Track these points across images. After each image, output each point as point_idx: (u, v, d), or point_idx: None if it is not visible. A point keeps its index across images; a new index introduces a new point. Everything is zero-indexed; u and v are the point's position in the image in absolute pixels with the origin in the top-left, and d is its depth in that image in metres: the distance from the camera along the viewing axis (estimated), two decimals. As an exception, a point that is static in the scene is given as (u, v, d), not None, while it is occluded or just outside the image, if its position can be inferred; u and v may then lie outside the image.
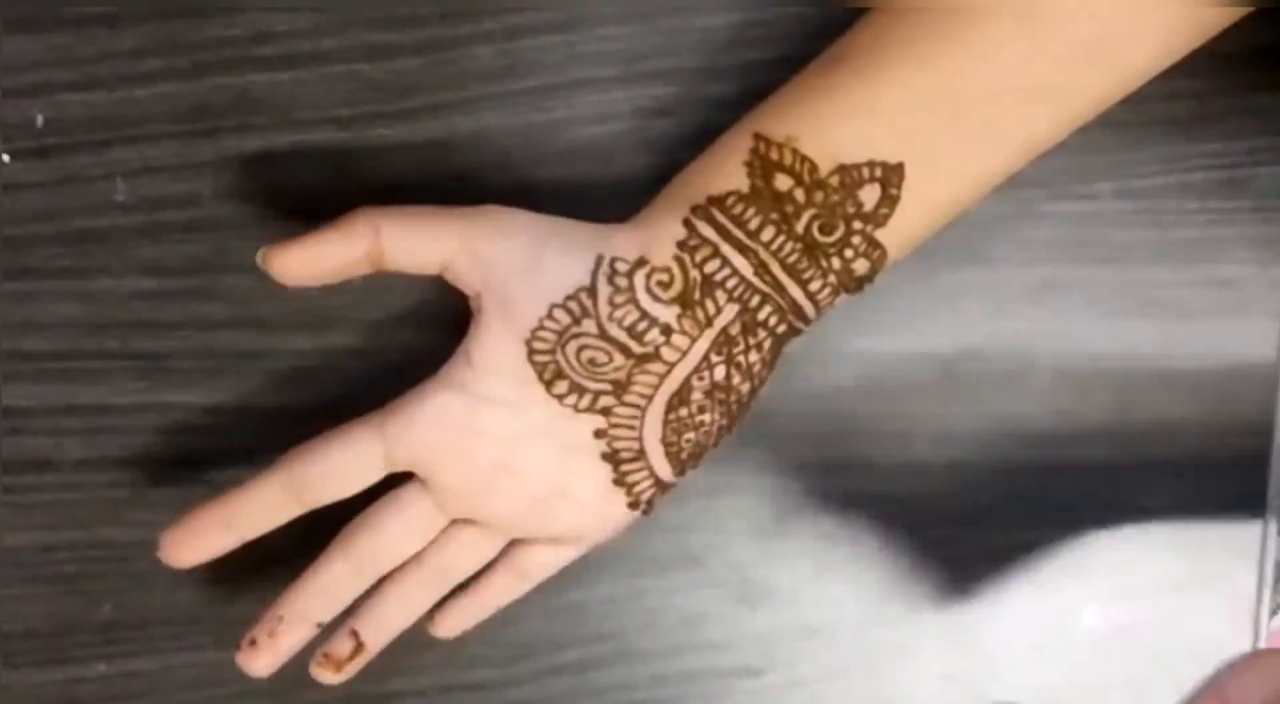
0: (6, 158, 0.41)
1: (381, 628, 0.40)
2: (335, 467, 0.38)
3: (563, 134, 0.42)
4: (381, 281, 0.42)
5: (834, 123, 0.35)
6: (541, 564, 0.40)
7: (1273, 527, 0.43)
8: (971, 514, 0.44)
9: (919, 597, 0.44)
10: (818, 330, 0.41)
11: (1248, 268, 0.42)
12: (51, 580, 0.43)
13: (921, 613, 0.44)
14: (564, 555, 0.40)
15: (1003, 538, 0.44)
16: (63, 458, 0.43)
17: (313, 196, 0.42)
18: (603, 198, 0.42)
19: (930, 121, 0.35)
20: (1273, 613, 0.44)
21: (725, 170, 0.36)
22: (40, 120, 0.41)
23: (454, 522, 0.39)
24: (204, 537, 0.38)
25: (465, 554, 0.40)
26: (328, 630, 0.40)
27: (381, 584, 0.39)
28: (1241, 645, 0.44)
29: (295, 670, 0.40)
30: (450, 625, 0.41)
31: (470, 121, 0.41)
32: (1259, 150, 0.42)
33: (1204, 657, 0.44)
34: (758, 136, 0.36)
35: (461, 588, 0.40)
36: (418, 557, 0.39)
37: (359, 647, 0.40)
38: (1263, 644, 0.44)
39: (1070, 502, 0.44)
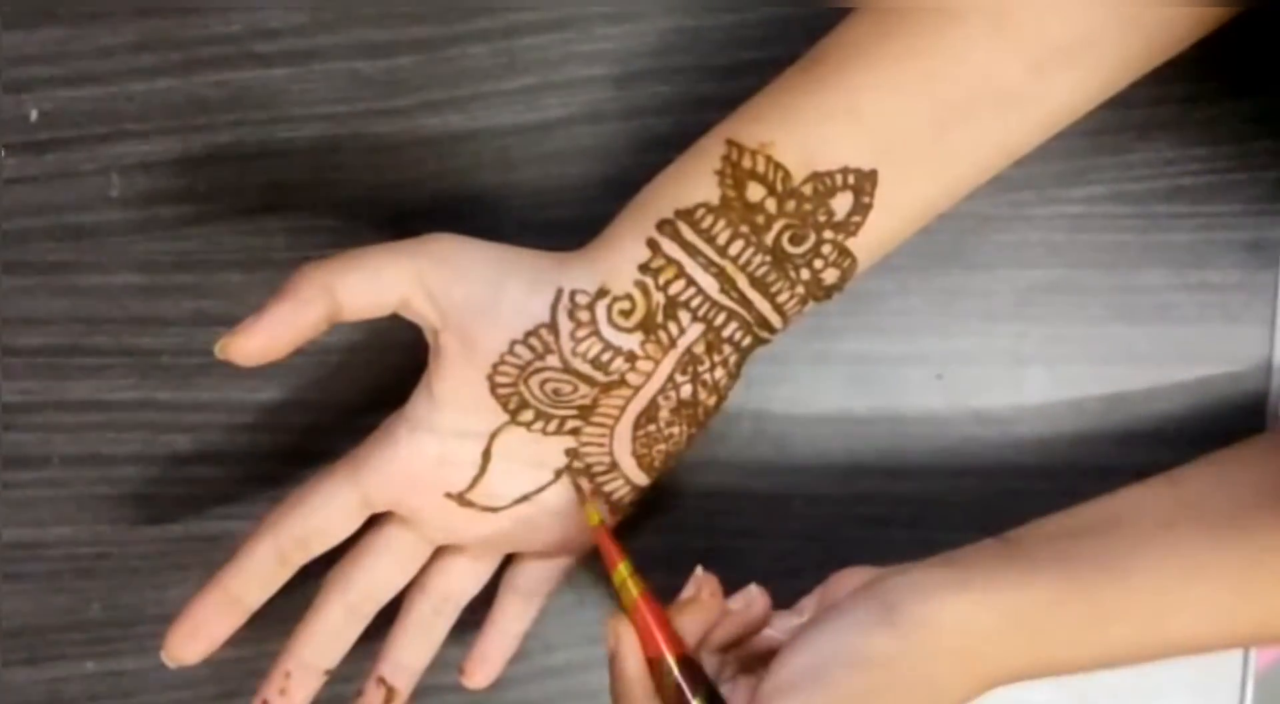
0: (1, 152, 0.41)
1: (405, 668, 0.40)
2: (318, 521, 0.37)
3: (557, 133, 0.42)
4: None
5: (810, 127, 0.35)
6: (539, 579, 0.40)
7: (1263, 530, 0.43)
8: (963, 517, 0.44)
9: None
10: (809, 332, 0.41)
11: (1239, 272, 0.42)
12: (41, 578, 0.43)
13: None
14: (558, 565, 0.40)
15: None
16: (54, 454, 0.43)
17: (307, 194, 0.42)
18: (597, 197, 0.42)
19: (906, 126, 0.35)
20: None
21: (695, 180, 0.36)
22: (34, 115, 0.41)
23: (442, 548, 0.39)
24: (210, 623, 0.37)
25: (463, 578, 0.40)
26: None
27: (393, 625, 0.40)
28: (1232, 654, 0.44)
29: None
30: (484, 673, 0.41)
31: (465, 119, 0.42)
32: (1250, 154, 0.42)
33: (1197, 661, 0.44)
34: (730, 143, 0.35)
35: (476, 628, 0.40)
36: (419, 586, 0.39)
37: (390, 692, 0.39)
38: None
39: (1061, 505, 0.43)
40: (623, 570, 0.36)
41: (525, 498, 0.38)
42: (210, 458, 0.43)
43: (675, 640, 0.35)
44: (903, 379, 0.43)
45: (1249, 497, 0.36)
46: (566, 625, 0.43)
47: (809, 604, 0.37)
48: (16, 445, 0.43)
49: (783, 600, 0.41)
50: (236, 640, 0.43)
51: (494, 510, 0.38)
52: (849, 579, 0.37)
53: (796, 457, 0.43)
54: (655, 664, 0.35)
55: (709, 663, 0.37)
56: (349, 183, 0.42)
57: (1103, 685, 0.44)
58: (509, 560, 0.40)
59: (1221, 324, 0.42)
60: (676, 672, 0.34)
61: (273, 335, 0.35)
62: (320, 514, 0.37)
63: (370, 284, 0.35)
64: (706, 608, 0.36)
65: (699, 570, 0.37)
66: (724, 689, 0.36)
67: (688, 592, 0.36)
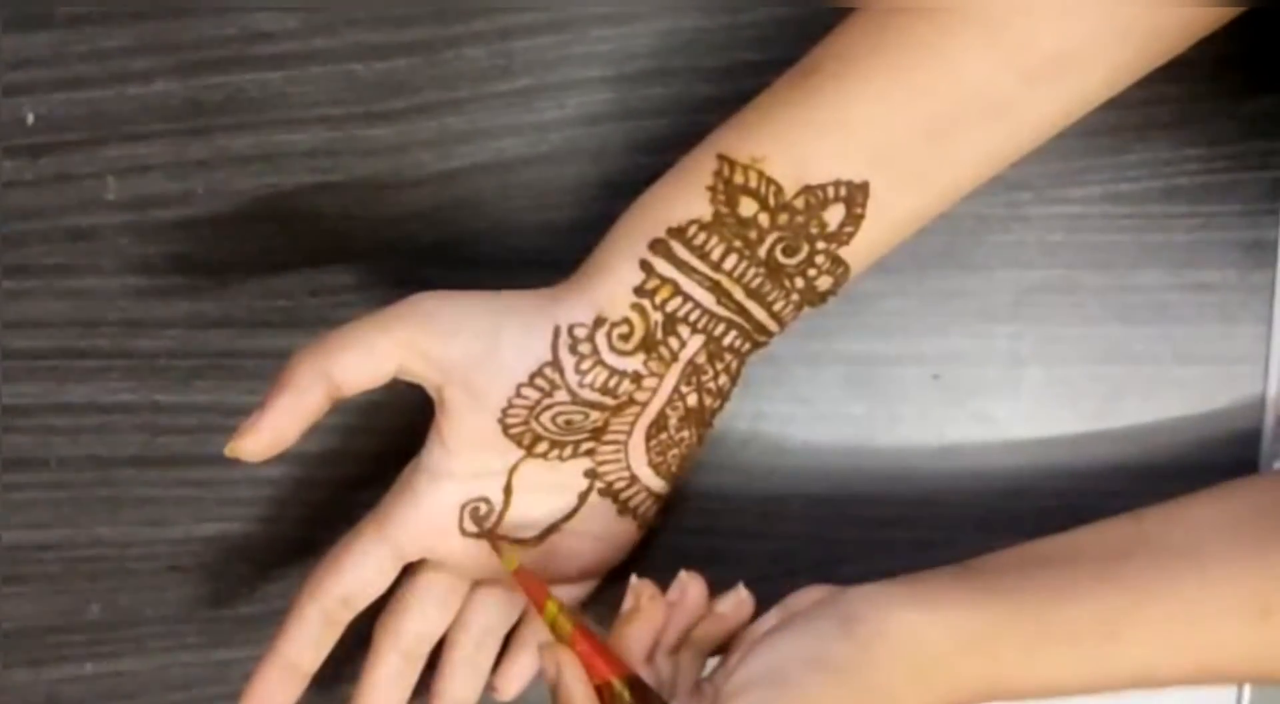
0: (-2, 156, 0.41)
1: (459, 702, 0.40)
2: (356, 581, 0.38)
3: (554, 134, 0.42)
4: (374, 279, 0.42)
5: (800, 141, 0.35)
6: (571, 600, 0.41)
7: (1259, 529, 0.43)
8: (961, 518, 0.44)
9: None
10: (806, 333, 0.41)
11: (1236, 272, 0.42)
12: (40, 579, 0.43)
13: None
14: (588, 587, 0.41)
15: (991, 542, 0.44)
16: (52, 456, 0.43)
17: (304, 196, 0.42)
18: (594, 198, 0.42)
19: (897, 138, 0.35)
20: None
21: (687, 196, 0.36)
22: (31, 118, 0.41)
23: (478, 582, 0.40)
24: (274, 694, 0.38)
25: (502, 610, 0.40)
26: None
27: (440, 663, 0.40)
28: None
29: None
30: (514, 687, 0.41)
31: (462, 122, 0.42)
32: (1247, 155, 0.42)
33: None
34: (722, 158, 0.35)
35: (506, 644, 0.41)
36: (462, 623, 0.40)
37: None
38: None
39: (1058, 505, 0.44)
40: (552, 608, 0.36)
41: (555, 526, 0.39)
42: (209, 460, 0.43)
43: (618, 664, 0.35)
44: (900, 379, 0.43)
45: (1207, 532, 0.36)
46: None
47: (770, 619, 0.37)
48: (16, 448, 0.43)
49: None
50: (236, 642, 0.43)
51: (525, 542, 0.38)
52: (809, 595, 0.37)
53: (794, 457, 0.43)
54: (602, 692, 0.35)
55: (696, 665, 0.37)
56: (345, 186, 0.42)
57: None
58: None
59: (1219, 324, 0.42)
60: (627, 692, 0.34)
61: (277, 428, 0.35)
62: (356, 574, 0.38)
63: (364, 361, 0.35)
64: (649, 615, 0.36)
65: (633, 579, 0.37)
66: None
67: (627, 604, 0.37)
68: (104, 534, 0.43)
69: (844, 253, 0.36)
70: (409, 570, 0.39)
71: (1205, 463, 0.43)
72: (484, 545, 0.38)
